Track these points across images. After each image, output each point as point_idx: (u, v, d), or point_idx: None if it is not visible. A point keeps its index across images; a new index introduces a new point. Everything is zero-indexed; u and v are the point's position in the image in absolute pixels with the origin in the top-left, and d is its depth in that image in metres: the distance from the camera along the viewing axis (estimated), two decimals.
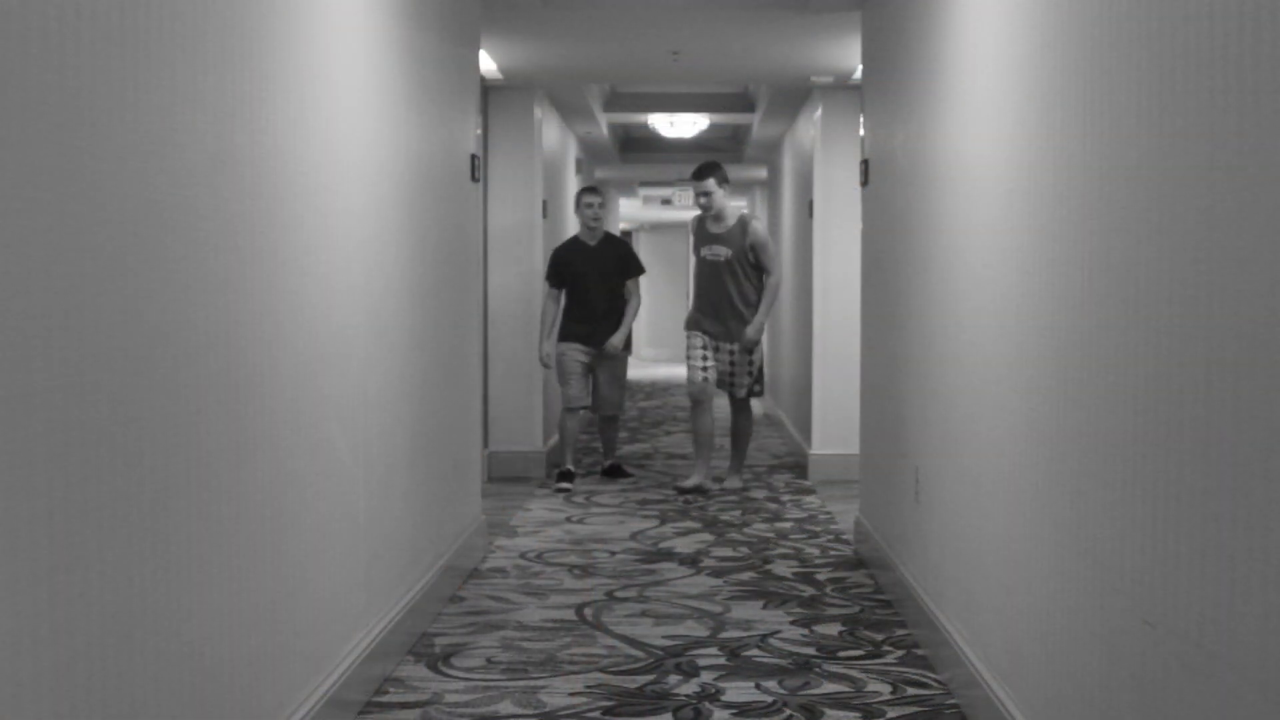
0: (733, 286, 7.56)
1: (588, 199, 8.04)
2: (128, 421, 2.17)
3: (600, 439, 8.36)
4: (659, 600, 4.96)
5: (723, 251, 7.56)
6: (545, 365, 7.92)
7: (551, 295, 8.00)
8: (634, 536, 6.30)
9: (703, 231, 7.68)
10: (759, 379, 7.70)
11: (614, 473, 8.24)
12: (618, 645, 4.30)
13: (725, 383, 7.61)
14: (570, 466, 7.95)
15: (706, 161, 7.71)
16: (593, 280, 7.91)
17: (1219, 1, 1.94)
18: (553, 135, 9.64)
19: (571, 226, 9.76)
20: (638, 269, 8.06)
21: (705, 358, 7.58)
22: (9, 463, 1.80)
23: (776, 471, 8.66)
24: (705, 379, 7.56)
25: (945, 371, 4.02)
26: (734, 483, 7.83)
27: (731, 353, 7.58)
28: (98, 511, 2.07)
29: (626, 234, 22.79)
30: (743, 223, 7.60)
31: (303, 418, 3.16)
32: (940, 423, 4.10)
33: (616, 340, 7.92)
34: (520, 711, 3.60)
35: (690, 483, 7.67)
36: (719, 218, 7.61)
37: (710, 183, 7.55)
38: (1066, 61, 2.72)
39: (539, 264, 8.41)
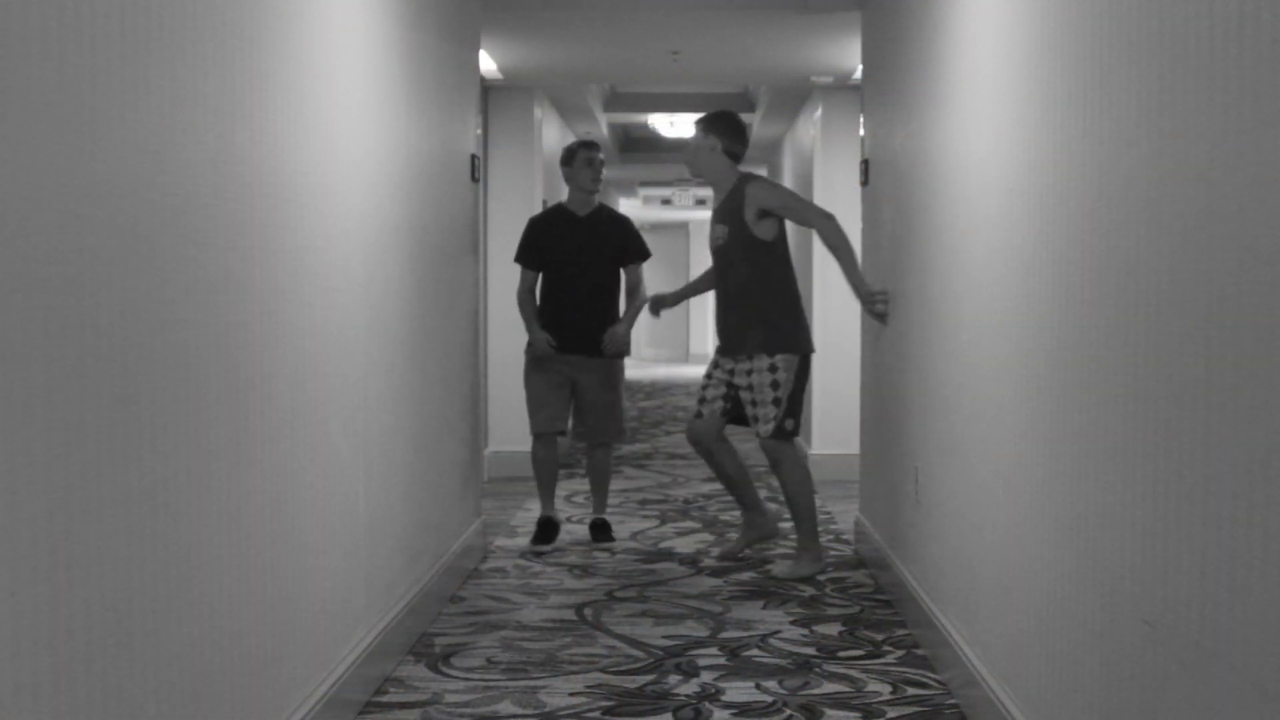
0: (733, 277, 5.35)
1: (588, 154, 6.06)
2: (128, 421, 2.17)
3: (589, 477, 6.34)
4: (659, 600, 4.96)
5: (720, 232, 5.41)
6: (551, 346, 5.93)
7: (528, 281, 6.09)
8: (634, 536, 6.29)
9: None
10: (791, 410, 5.25)
11: (600, 532, 6.12)
12: (618, 645, 4.29)
13: (748, 416, 5.40)
14: (552, 514, 6.10)
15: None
16: (580, 263, 5.98)
17: (1219, 1, 1.94)
18: (553, 135, 9.64)
19: None
20: (642, 253, 6.13)
21: (705, 386, 5.50)
22: (9, 463, 1.80)
23: None
24: (699, 413, 5.47)
25: (945, 371, 4.02)
26: (802, 567, 5.30)
27: (749, 372, 5.30)
28: (98, 511, 2.07)
29: None
30: (739, 186, 5.36)
31: (303, 418, 3.16)
32: (940, 423, 4.10)
33: (621, 330, 5.99)
34: (520, 711, 3.60)
35: (739, 547, 5.65)
36: (714, 185, 5.49)
37: (695, 136, 5.49)
38: (1066, 61, 2.72)
39: None
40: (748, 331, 5.30)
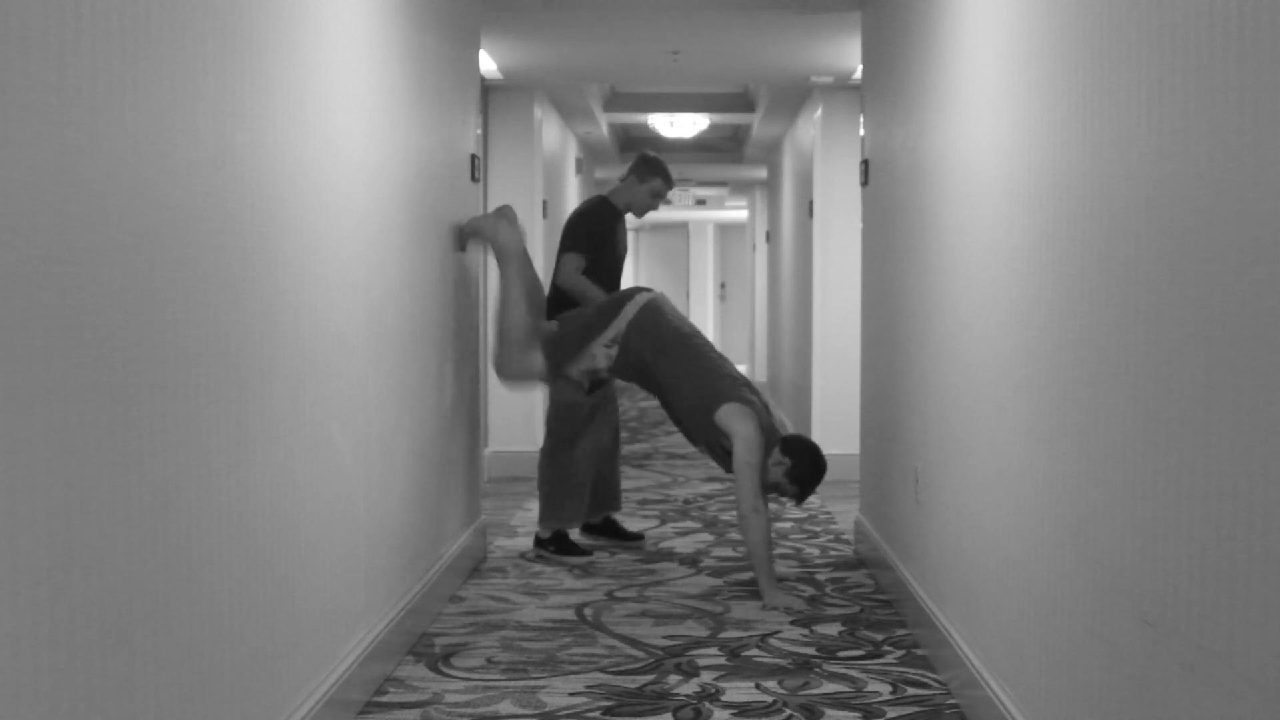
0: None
1: (666, 188, 5.96)
2: (128, 421, 2.17)
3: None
4: (659, 600, 4.96)
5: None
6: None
7: (577, 264, 5.85)
8: None
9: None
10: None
11: (626, 537, 6.11)
12: (618, 645, 4.29)
13: None
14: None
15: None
16: (622, 262, 6.09)
17: (1219, 1, 1.94)
18: (553, 135, 9.64)
19: None
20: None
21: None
22: (9, 463, 1.80)
23: None
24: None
25: (945, 371, 4.02)
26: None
27: None
28: (98, 511, 2.07)
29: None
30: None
31: (303, 418, 3.16)
32: (940, 423, 4.10)
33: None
34: (520, 711, 3.60)
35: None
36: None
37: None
38: (1066, 61, 2.72)
39: (539, 263, 8.34)
40: None
